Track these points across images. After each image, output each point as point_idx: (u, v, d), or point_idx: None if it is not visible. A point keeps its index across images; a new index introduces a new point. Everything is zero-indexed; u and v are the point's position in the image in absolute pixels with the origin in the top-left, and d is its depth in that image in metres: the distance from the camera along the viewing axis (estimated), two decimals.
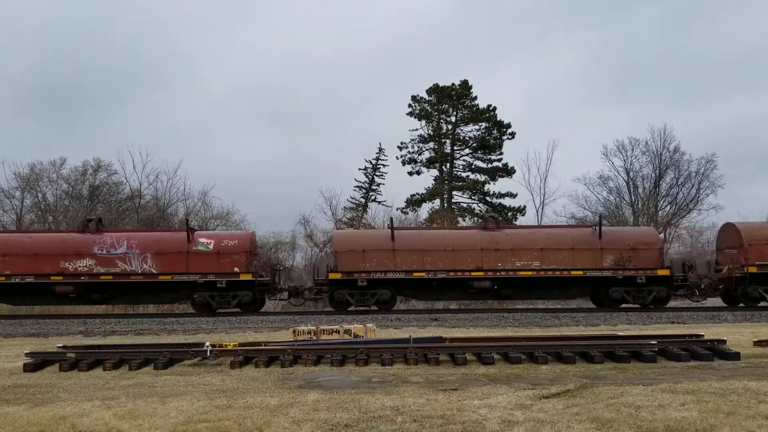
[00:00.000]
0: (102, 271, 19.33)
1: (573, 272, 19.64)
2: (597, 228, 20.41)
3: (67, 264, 19.29)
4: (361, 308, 19.59)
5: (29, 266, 19.21)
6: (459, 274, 19.64)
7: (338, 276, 19.55)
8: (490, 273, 19.63)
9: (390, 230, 20.64)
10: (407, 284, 20.00)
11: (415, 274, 19.62)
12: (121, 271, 19.34)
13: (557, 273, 19.68)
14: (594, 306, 20.97)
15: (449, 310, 20.96)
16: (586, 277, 19.78)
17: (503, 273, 19.66)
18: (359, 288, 19.50)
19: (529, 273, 19.67)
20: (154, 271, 19.41)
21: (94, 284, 19.41)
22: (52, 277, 19.17)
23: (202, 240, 19.92)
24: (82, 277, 19.25)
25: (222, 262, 19.47)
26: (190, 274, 19.34)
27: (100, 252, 19.45)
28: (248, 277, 19.35)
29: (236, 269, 19.43)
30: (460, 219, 41.27)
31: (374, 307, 19.48)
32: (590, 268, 19.70)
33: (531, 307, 23.32)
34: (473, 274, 19.62)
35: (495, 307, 21.37)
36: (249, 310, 19.53)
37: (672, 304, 22.21)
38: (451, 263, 19.73)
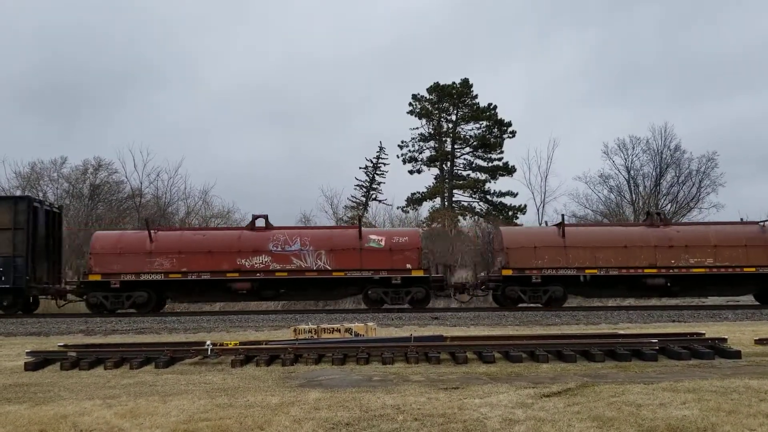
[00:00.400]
0: (278, 267, 19.54)
1: (746, 269, 19.63)
2: (764, 224, 20.50)
3: (243, 261, 19.51)
4: (531, 305, 19.57)
5: (205, 263, 19.41)
6: (632, 271, 19.58)
7: (509, 273, 19.61)
8: (663, 270, 19.55)
9: (557, 227, 20.68)
10: (578, 281, 19.94)
11: (586, 270, 19.61)
12: (296, 268, 19.56)
13: (730, 270, 19.61)
14: (758, 303, 20.75)
15: (449, 309, 20.94)
16: (758, 274, 19.75)
17: (676, 270, 19.61)
18: (532, 285, 19.55)
19: (703, 270, 19.59)
20: (329, 268, 19.59)
21: (269, 281, 19.61)
22: (227, 274, 19.39)
23: (373, 237, 20.14)
24: (258, 274, 19.47)
25: (394, 259, 19.66)
26: (363, 271, 19.54)
27: (275, 249, 19.68)
28: (420, 273, 19.57)
29: (408, 266, 19.59)
30: (460, 218, 41.27)
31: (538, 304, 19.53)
32: (762, 265, 19.67)
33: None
34: (646, 271, 19.56)
35: (495, 306, 21.36)
36: (420, 306, 19.60)
37: (673, 302, 22.21)
38: (623, 260, 19.63)
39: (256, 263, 19.54)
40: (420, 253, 20.06)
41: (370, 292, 19.59)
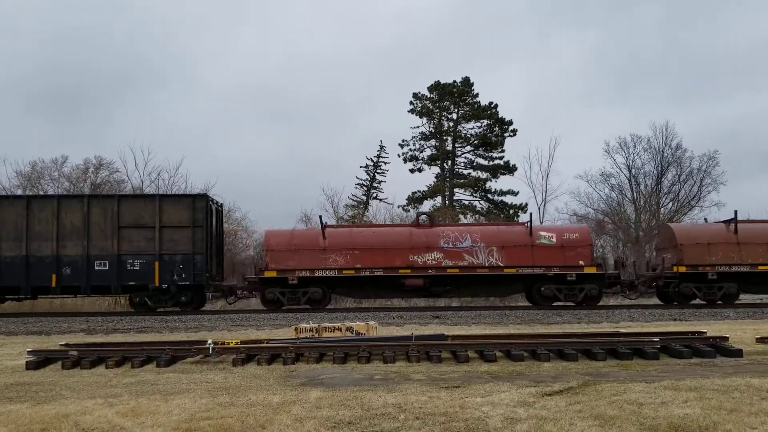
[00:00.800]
0: (449, 264, 19.52)
1: None
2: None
3: (415, 257, 19.54)
4: (704, 302, 19.47)
5: (378, 260, 19.48)
6: None
7: (683, 269, 19.55)
8: None
9: (726, 223, 20.60)
10: (751, 277, 19.81)
11: (760, 267, 19.51)
12: (468, 264, 19.53)
13: None
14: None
15: (451, 307, 20.94)
16: None
17: None
18: (707, 282, 19.47)
19: None
20: (501, 264, 19.55)
21: (440, 277, 19.63)
22: (400, 270, 19.46)
23: (543, 233, 20.06)
24: (430, 270, 19.50)
25: (566, 255, 19.58)
26: (534, 267, 19.51)
27: (447, 245, 19.65)
28: (593, 270, 19.50)
29: (581, 262, 19.51)
30: (461, 216, 41.24)
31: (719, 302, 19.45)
32: None
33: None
34: None
35: (497, 305, 21.37)
36: (592, 303, 19.51)
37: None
38: None
39: (428, 260, 19.59)
40: (592, 250, 20.04)
41: (543, 288, 19.47)
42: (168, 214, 19.28)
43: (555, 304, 19.67)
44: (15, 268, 18.84)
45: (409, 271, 19.46)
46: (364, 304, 22.27)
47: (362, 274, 19.45)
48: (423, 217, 21.29)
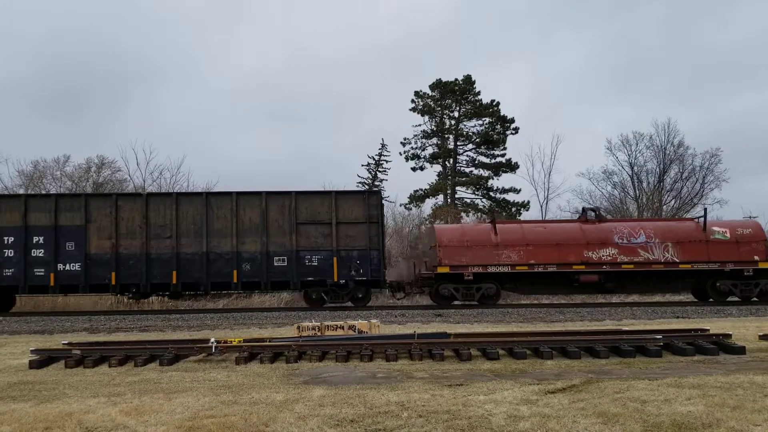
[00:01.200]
0: (624, 259, 19.47)
1: None
2: None
3: (590, 253, 19.50)
4: None
5: (552, 256, 19.45)
6: None
7: None
8: None
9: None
10: None
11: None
12: (643, 260, 19.46)
13: None
14: None
15: (453, 306, 20.92)
16: None
17: None
18: None
19: None
20: (676, 260, 19.48)
21: (615, 273, 19.58)
22: (573, 266, 19.41)
23: (717, 229, 20.00)
24: (604, 266, 19.44)
25: (741, 251, 19.48)
26: (710, 263, 19.41)
27: (621, 241, 19.60)
28: (767, 265, 19.37)
29: (756, 257, 19.44)
30: (463, 215, 41.20)
31: None
32: None
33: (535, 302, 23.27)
34: None
35: (499, 303, 21.35)
36: (765, 299, 19.45)
37: (679, 298, 22.17)
38: None
39: (603, 255, 19.54)
40: (766, 245, 19.83)
41: (719, 284, 19.41)
42: (343, 210, 19.57)
43: (729, 299, 19.68)
44: (195, 265, 19.14)
45: (583, 267, 19.41)
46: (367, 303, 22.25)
47: (535, 270, 19.44)
48: (591, 213, 21.09)
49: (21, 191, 32.92)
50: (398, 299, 21.46)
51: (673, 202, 40.88)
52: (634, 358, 8.19)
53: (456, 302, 19.83)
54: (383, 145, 45.11)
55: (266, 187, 20.42)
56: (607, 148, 42.12)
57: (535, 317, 15.34)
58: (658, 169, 40.94)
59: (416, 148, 45.36)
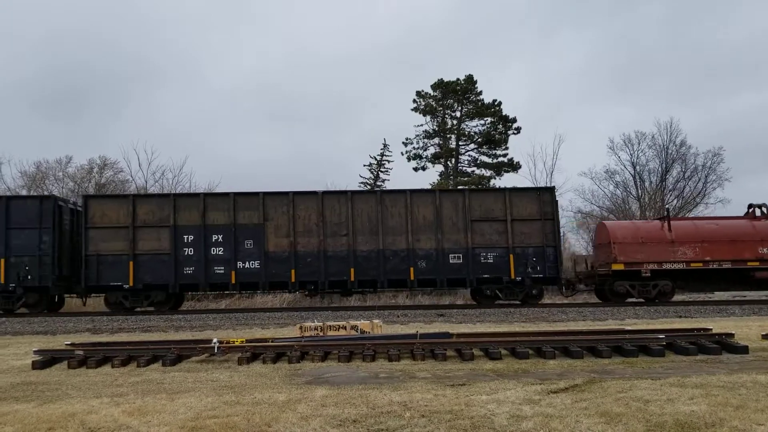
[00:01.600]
0: None
1: None
2: None
3: (764, 250, 19.52)
4: None
5: (726, 252, 19.46)
6: None
7: None
8: None
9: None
10: None
11: None
12: None
13: None
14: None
15: (455, 305, 20.93)
16: None
17: None
18: None
19: None
20: None
21: None
22: (749, 263, 19.42)
23: None
24: None
25: None
26: None
27: None
28: None
29: None
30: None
31: None
32: None
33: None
34: None
35: (501, 303, 21.34)
36: None
37: (678, 297, 22.11)
38: None
39: None
40: None
41: None
42: (517, 207, 19.62)
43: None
44: (371, 262, 19.30)
45: (757, 263, 19.40)
46: (368, 303, 22.28)
47: (710, 267, 19.40)
48: (762, 209, 20.91)
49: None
50: (566, 296, 21.60)
51: (675, 201, 40.85)
52: (637, 357, 8.18)
53: (458, 302, 19.79)
54: (385, 145, 45.15)
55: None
56: (610, 148, 42.20)
57: (538, 317, 15.33)
58: (660, 169, 40.92)
59: (418, 148, 45.35)
